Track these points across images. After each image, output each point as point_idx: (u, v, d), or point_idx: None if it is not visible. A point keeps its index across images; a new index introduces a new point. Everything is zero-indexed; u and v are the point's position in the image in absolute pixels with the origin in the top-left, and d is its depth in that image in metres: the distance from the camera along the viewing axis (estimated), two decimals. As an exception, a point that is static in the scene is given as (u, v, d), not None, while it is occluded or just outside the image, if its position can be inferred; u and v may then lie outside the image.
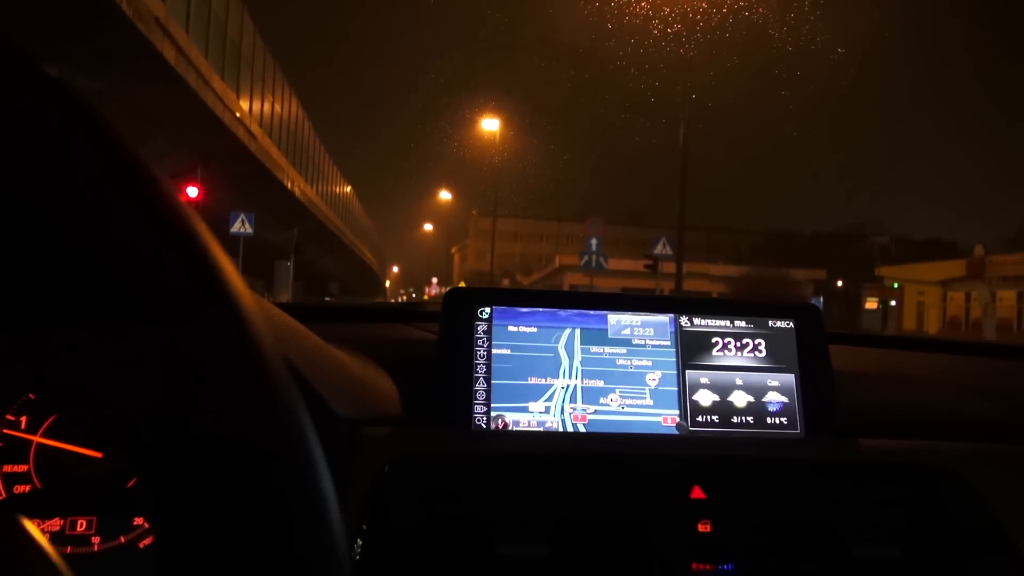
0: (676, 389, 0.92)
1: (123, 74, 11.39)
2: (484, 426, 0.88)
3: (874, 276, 30.78)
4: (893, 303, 30.06)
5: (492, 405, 0.89)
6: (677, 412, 0.91)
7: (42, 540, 0.28)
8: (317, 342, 0.88)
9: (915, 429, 0.97)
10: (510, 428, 0.88)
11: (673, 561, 0.79)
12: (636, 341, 0.94)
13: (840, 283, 33.51)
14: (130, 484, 0.80)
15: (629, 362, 0.93)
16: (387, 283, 70.90)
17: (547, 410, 0.90)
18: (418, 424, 0.87)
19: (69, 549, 0.77)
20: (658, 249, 13.46)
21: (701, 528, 0.81)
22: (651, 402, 0.91)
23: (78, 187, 0.27)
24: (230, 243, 14.92)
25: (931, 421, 1.02)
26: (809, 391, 0.94)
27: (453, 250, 66.79)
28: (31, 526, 0.28)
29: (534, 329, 0.93)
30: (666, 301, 0.98)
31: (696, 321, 0.96)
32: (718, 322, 0.96)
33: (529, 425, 0.89)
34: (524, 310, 0.94)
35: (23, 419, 0.79)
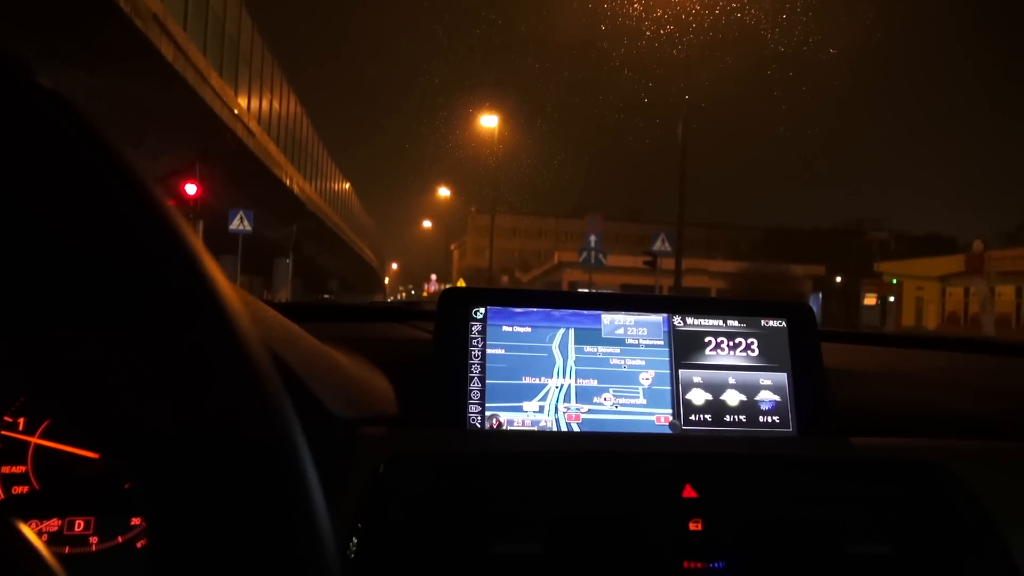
0: (669, 388, 0.93)
1: (121, 71, 11.37)
2: (479, 425, 0.89)
3: (873, 272, 30.82)
4: (892, 299, 30.10)
5: (487, 404, 0.89)
6: (670, 411, 0.92)
7: (38, 543, 0.28)
8: (313, 342, 0.88)
9: (909, 426, 0.98)
10: (505, 427, 0.89)
11: (665, 559, 0.80)
12: (630, 341, 0.95)
13: (839, 279, 33.52)
14: (127, 485, 0.80)
15: (623, 361, 0.94)
16: (386, 280, 70.88)
17: (541, 409, 0.90)
18: (414, 423, 0.88)
19: (67, 549, 0.77)
20: (657, 245, 13.47)
21: (692, 526, 0.82)
22: (644, 401, 0.92)
23: (65, 189, 0.27)
24: (229, 240, 14.93)
25: (925, 418, 1.02)
26: (801, 390, 0.95)
27: (452, 247, 66.80)
28: (27, 529, 0.28)
29: (528, 329, 0.93)
30: (659, 301, 0.99)
31: (689, 320, 0.96)
32: (711, 321, 0.97)
33: (523, 424, 0.90)
34: (518, 310, 0.94)
35: (21, 420, 0.80)
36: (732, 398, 0.94)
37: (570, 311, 0.95)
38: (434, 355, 0.91)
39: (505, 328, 0.93)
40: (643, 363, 0.94)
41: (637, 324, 0.96)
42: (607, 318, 0.95)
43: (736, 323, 0.97)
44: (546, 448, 0.86)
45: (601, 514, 0.82)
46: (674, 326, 0.96)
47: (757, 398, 0.94)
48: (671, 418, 0.92)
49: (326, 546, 0.29)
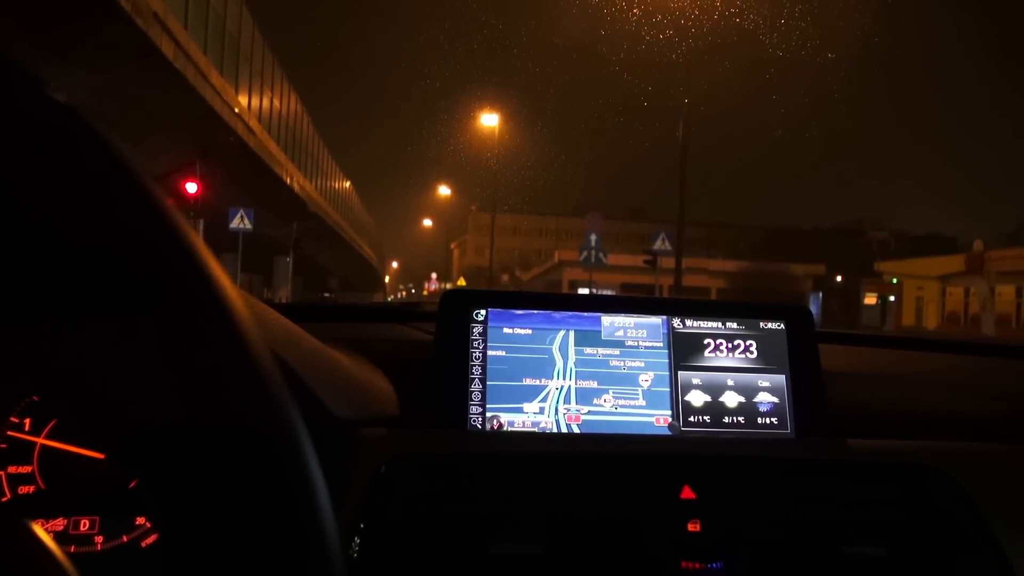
0: (668, 390, 0.94)
1: (122, 69, 11.37)
2: (479, 427, 0.89)
3: (873, 271, 30.83)
4: (892, 298, 30.10)
5: (487, 406, 0.90)
6: (669, 412, 0.93)
7: (50, 542, 0.28)
8: (314, 343, 0.89)
9: (906, 428, 0.99)
10: (505, 428, 0.90)
11: (663, 560, 0.81)
12: (629, 342, 0.95)
13: (839, 278, 33.51)
14: (132, 484, 0.81)
15: (622, 363, 0.94)
16: (386, 278, 70.85)
17: (541, 411, 0.91)
18: (414, 424, 0.88)
19: (73, 548, 0.78)
20: (657, 244, 13.47)
21: (691, 527, 0.83)
22: (644, 403, 0.93)
23: (72, 195, 0.28)
24: (229, 239, 14.92)
25: (922, 420, 1.03)
26: (799, 392, 0.95)
27: (452, 245, 66.77)
28: (39, 529, 0.29)
29: (529, 331, 0.94)
30: (659, 303, 0.99)
31: (688, 323, 0.97)
32: (710, 324, 0.97)
33: (524, 425, 0.90)
34: (519, 312, 0.95)
35: (27, 421, 0.81)
36: (731, 400, 0.94)
37: (570, 313, 0.96)
38: (435, 356, 0.92)
39: (506, 330, 0.94)
40: (642, 365, 0.95)
41: (637, 326, 0.96)
42: (607, 320, 0.96)
43: (735, 325, 0.98)
44: (546, 449, 0.87)
45: (600, 515, 0.83)
46: (673, 328, 0.97)
47: (755, 400, 0.95)
48: (670, 419, 0.93)
49: (331, 543, 0.29)
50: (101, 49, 10.55)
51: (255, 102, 20.41)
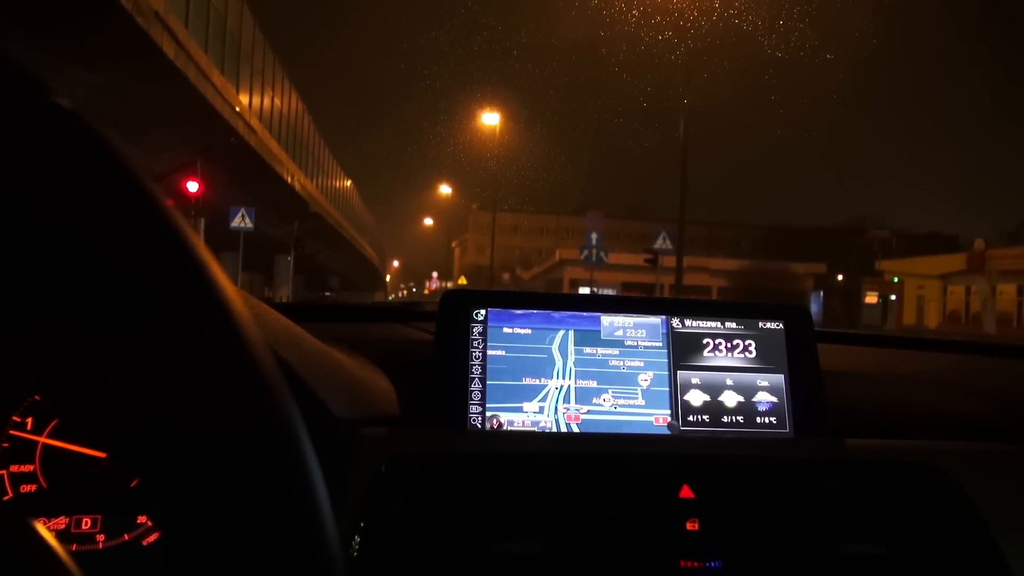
0: (668, 389, 0.94)
1: (123, 68, 11.38)
2: (479, 426, 0.90)
3: (874, 270, 30.81)
4: (893, 297, 30.08)
5: (487, 405, 0.91)
6: (668, 412, 0.93)
7: (53, 541, 0.29)
8: (314, 343, 0.89)
9: (905, 428, 0.99)
10: (505, 428, 0.90)
11: (662, 559, 0.81)
12: (628, 342, 0.96)
13: (840, 277, 33.48)
14: (134, 483, 0.82)
15: (622, 363, 0.95)
16: (387, 277, 70.87)
17: (541, 410, 0.91)
18: (415, 424, 0.89)
19: (75, 547, 0.79)
20: (658, 243, 13.48)
21: (690, 526, 0.83)
22: (643, 402, 0.93)
23: (75, 198, 0.28)
24: (230, 238, 14.93)
25: (921, 420, 1.03)
26: (798, 391, 0.96)
27: (453, 244, 66.78)
28: (42, 528, 0.29)
29: (528, 331, 0.95)
30: (658, 303, 1.00)
31: (687, 322, 0.98)
32: (709, 323, 0.98)
33: (523, 425, 0.91)
34: (519, 312, 0.95)
35: (29, 420, 0.81)
36: (730, 399, 0.95)
37: (570, 313, 0.96)
38: (435, 356, 0.93)
39: (506, 329, 0.94)
40: (642, 364, 0.95)
41: (636, 326, 0.97)
42: (606, 320, 0.97)
43: (734, 325, 0.98)
44: (546, 449, 0.88)
45: (600, 513, 0.83)
46: (672, 328, 0.97)
47: (754, 399, 0.95)
48: (669, 419, 0.93)
49: (331, 542, 0.29)
50: (102, 48, 10.55)
51: (256, 101, 20.42)
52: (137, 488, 0.82)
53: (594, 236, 14.16)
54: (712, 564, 0.82)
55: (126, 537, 0.81)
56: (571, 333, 0.95)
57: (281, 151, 22.43)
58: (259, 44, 21.24)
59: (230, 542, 0.28)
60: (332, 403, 0.81)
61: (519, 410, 0.91)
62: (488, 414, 0.90)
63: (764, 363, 0.97)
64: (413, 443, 0.85)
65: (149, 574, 0.80)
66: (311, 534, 0.29)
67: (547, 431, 0.91)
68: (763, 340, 0.98)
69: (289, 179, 22.97)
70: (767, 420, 0.94)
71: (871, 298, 30.16)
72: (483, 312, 0.94)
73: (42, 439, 0.81)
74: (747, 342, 0.97)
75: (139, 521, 0.81)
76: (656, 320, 0.97)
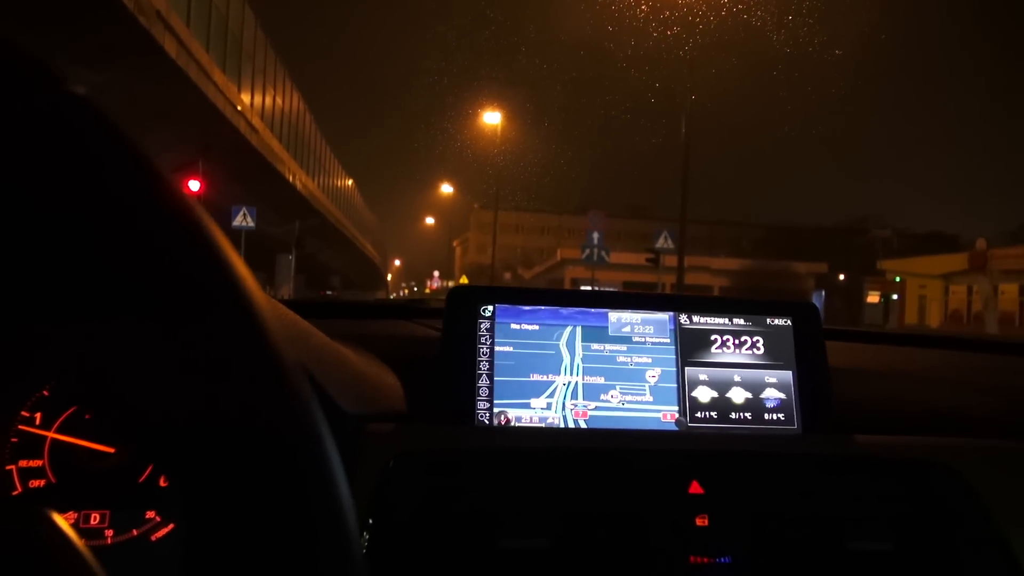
0: (675, 386, 0.94)
1: (125, 67, 11.39)
2: (487, 422, 0.90)
3: (876, 269, 30.77)
4: (895, 297, 30.06)
5: (495, 401, 0.90)
6: (676, 408, 0.93)
7: (70, 531, 0.29)
8: (323, 339, 0.89)
9: (912, 425, 0.99)
10: (512, 424, 0.90)
11: (671, 554, 0.81)
12: (636, 338, 0.96)
13: (842, 277, 33.44)
14: (142, 479, 0.82)
15: (629, 359, 0.95)
16: (389, 276, 70.91)
17: (549, 406, 0.91)
18: (422, 420, 0.89)
19: (83, 542, 0.79)
20: (660, 242, 13.48)
21: (699, 522, 0.83)
22: (651, 398, 0.93)
23: (98, 188, 0.28)
24: (232, 237, 14.88)
25: (928, 417, 1.03)
26: (806, 388, 0.96)
27: (455, 243, 66.76)
28: (59, 519, 0.29)
29: (536, 327, 0.94)
30: (666, 299, 1.00)
31: (695, 319, 0.97)
32: (717, 320, 0.98)
33: (531, 421, 0.91)
34: (526, 308, 0.95)
35: (38, 415, 0.81)
36: (737, 396, 0.94)
37: (577, 309, 0.96)
38: (443, 352, 0.92)
39: (513, 326, 0.94)
40: (649, 361, 0.95)
41: (644, 322, 0.96)
42: (614, 316, 0.96)
43: (742, 321, 0.98)
44: (553, 445, 0.87)
45: (608, 510, 0.83)
46: (680, 324, 0.97)
47: (762, 396, 0.95)
48: (677, 415, 0.93)
49: (351, 536, 0.29)
50: (104, 47, 10.56)
51: (258, 100, 20.43)
52: (145, 483, 0.82)
53: (596, 235, 14.16)
54: (722, 560, 0.81)
55: (134, 532, 0.80)
56: (579, 329, 0.95)
57: (283, 150, 22.45)
58: (260, 43, 21.26)
59: (250, 536, 0.28)
60: (340, 399, 0.80)
61: (527, 406, 0.91)
62: (496, 410, 0.90)
63: (772, 359, 0.97)
64: (421, 439, 0.85)
65: (158, 569, 0.80)
66: (332, 529, 0.29)
67: (555, 427, 0.91)
68: (771, 336, 0.98)
69: (291, 178, 22.99)
70: (775, 416, 0.94)
71: (873, 297, 30.13)
72: (490, 308, 0.94)
73: (51, 434, 0.81)
74: (755, 338, 0.97)
75: (147, 516, 0.81)
76: (664, 316, 0.97)
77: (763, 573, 0.83)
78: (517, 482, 0.83)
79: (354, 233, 39.23)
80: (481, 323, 0.93)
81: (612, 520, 0.82)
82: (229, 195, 16.75)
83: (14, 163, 0.27)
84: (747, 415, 0.94)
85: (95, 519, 0.80)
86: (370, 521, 0.76)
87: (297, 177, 24.22)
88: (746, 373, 0.95)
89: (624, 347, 0.95)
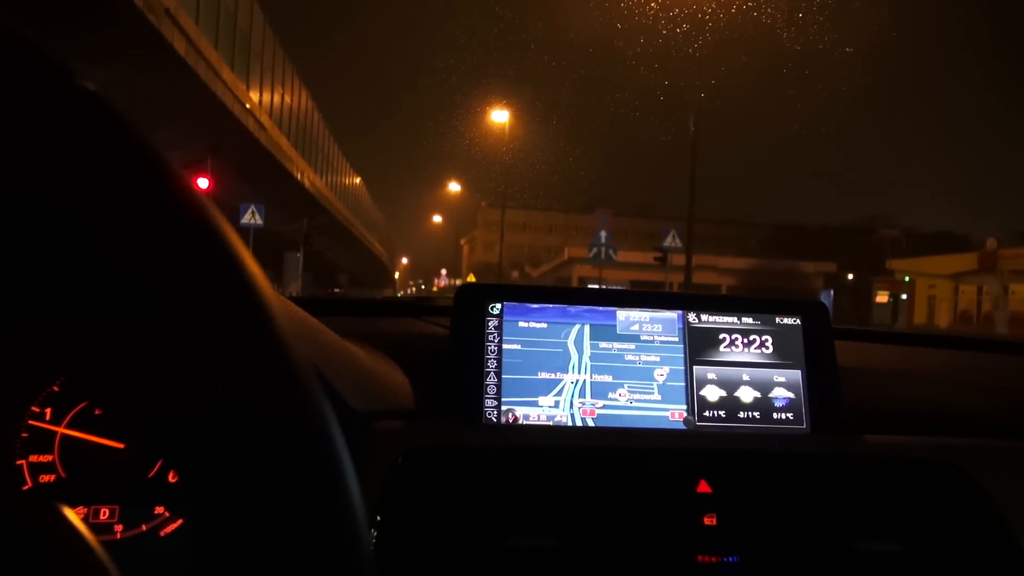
0: (684, 384, 0.94)
1: (133, 65, 11.43)
2: (495, 420, 0.90)
3: (885, 269, 30.61)
4: (904, 296, 29.91)
5: (503, 399, 0.90)
6: (684, 407, 0.93)
7: (82, 527, 0.29)
8: (331, 336, 0.90)
9: (920, 424, 0.98)
10: (520, 422, 0.90)
11: (679, 553, 0.81)
12: (644, 337, 0.95)
13: (850, 276, 33.29)
14: (151, 474, 0.82)
15: (637, 358, 0.94)
16: (396, 275, 70.96)
17: (556, 404, 0.91)
18: (430, 417, 0.89)
19: (94, 537, 0.79)
20: (667, 241, 13.46)
21: (707, 521, 0.83)
22: (659, 397, 0.93)
23: (111, 183, 0.28)
24: (240, 234, 14.92)
25: (937, 417, 1.03)
26: (815, 387, 0.95)
27: (462, 241, 66.76)
28: (71, 514, 0.29)
29: (544, 325, 0.94)
30: (674, 298, 0.99)
31: (704, 317, 0.97)
32: (726, 319, 0.97)
33: (539, 419, 0.91)
34: (534, 306, 0.95)
35: (48, 411, 0.82)
36: (746, 395, 0.94)
37: (585, 307, 0.96)
38: (451, 350, 0.92)
39: (521, 324, 0.94)
40: (658, 359, 0.95)
41: (652, 321, 0.96)
42: (622, 314, 0.96)
43: (750, 320, 0.98)
44: (561, 443, 0.87)
45: (616, 508, 0.83)
46: (689, 323, 0.97)
47: (771, 395, 0.94)
48: (685, 414, 0.93)
49: (362, 532, 0.30)
50: (112, 45, 10.60)
51: (266, 97, 20.47)
52: (155, 479, 0.82)
53: (603, 234, 14.13)
54: (729, 559, 0.81)
55: (144, 527, 0.81)
56: (587, 327, 0.95)
57: (291, 148, 22.50)
58: (269, 40, 21.29)
59: (261, 532, 0.28)
60: (349, 396, 0.81)
61: (534, 404, 0.91)
62: (504, 408, 0.90)
63: (781, 359, 0.96)
64: (429, 436, 0.85)
65: (167, 564, 0.80)
66: (342, 524, 0.29)
67: (563, 425, 0.91)
68: (780, 335, 0.97)
69: (299, 176, 23.04)
70: (784, 416, 0.94)
71: (882, 297, 29.98)
72: (499, 306, 0.94)
73: (61, 429, 0.82)
74: (764, 337, 0.97)
75: (156, 511, 0.81)
76: (672, 315, 0.97)
77: (771, 573, 0.83)
78: (525, 480, 0.83)
79: (362, 231, 39.29)
80: (489, 321, 0.93)
81: (620, 519, 0.82)
82: (237, 193, 16.80)
83: (32, 157, 0.26)
84: (756, 414, 0.94)
85: (105, 514, 0.81)
86: (378, 518, 0.76)
87: (305, 175, 24.27)
88: (755, 372, 0.95)
89: (632, 345, 0.95)
